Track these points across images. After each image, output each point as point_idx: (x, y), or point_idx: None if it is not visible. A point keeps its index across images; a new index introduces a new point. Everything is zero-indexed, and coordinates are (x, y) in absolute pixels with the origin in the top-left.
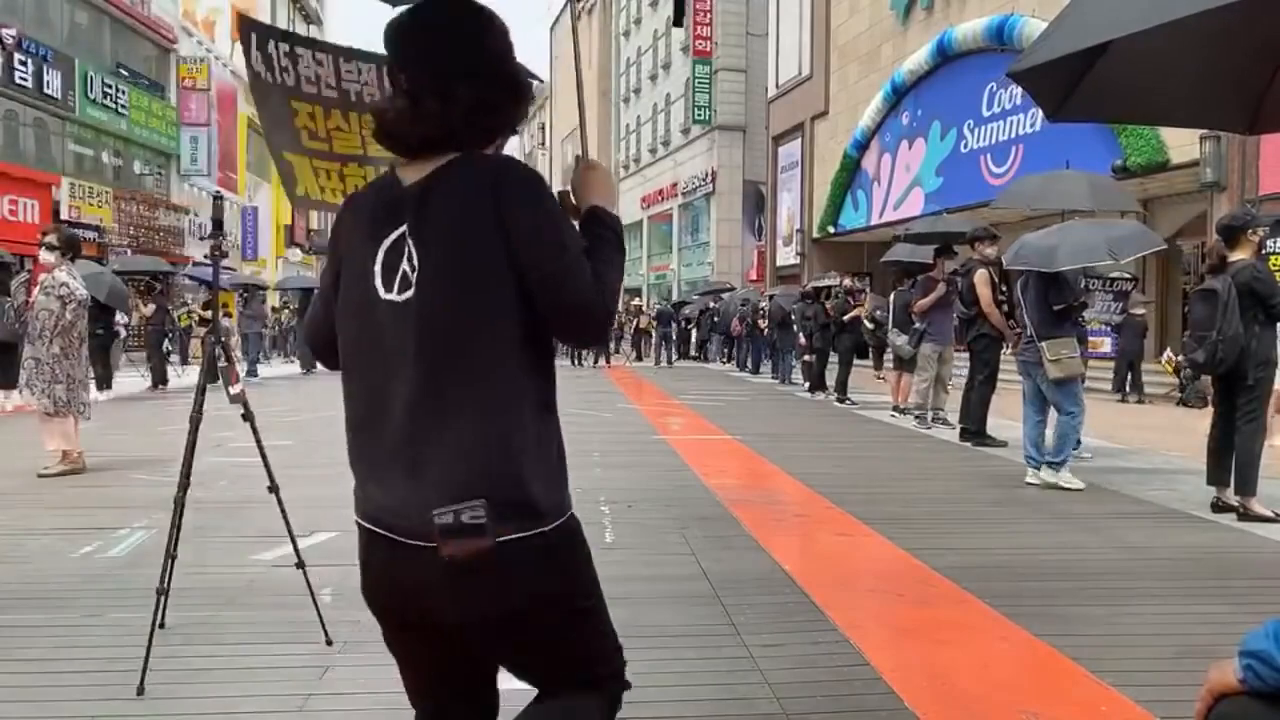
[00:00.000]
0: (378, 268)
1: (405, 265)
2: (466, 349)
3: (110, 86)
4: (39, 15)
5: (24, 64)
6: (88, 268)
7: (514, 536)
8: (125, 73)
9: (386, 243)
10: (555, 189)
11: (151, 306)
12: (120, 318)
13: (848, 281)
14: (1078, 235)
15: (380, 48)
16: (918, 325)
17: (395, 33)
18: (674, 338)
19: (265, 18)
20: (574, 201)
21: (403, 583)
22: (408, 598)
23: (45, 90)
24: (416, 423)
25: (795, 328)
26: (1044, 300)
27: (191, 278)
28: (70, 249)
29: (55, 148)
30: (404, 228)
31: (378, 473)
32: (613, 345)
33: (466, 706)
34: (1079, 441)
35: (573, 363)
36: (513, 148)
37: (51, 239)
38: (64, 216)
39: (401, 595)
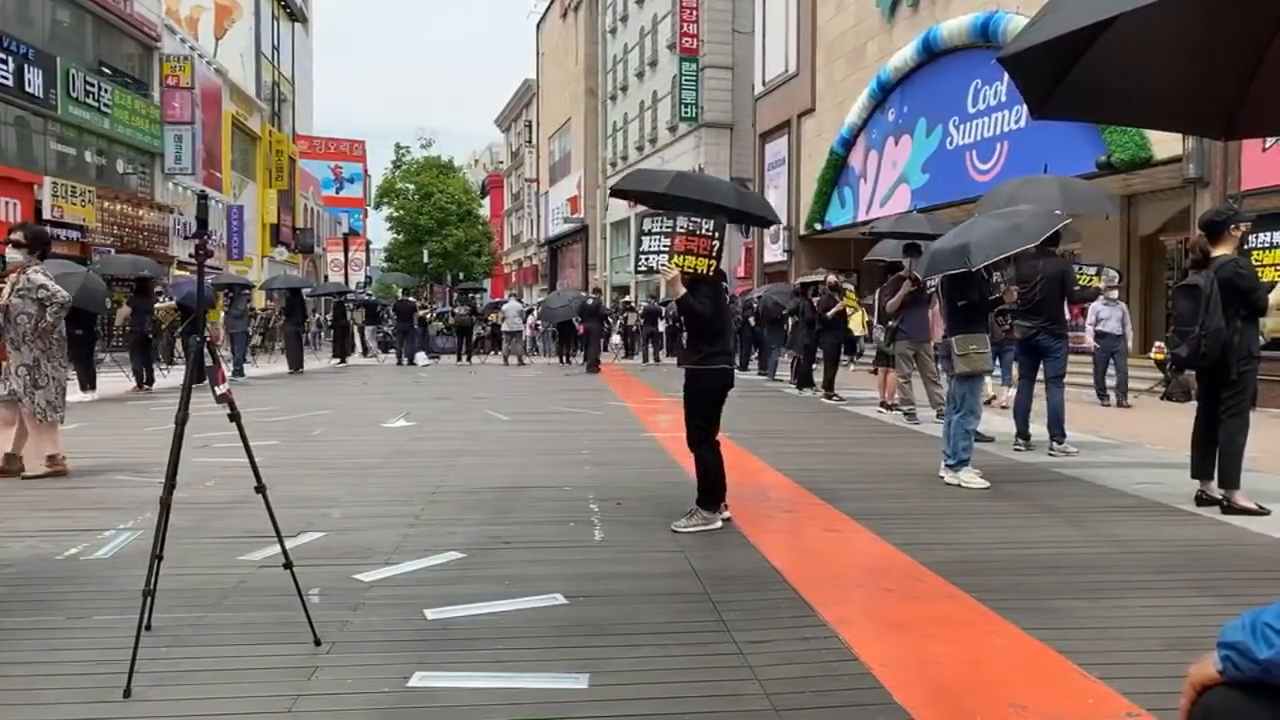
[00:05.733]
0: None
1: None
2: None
3: (93, 85)
4: (20, 13)
5: (4, 62)
6: (60, 266)
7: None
8: (108, 71)
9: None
10: (556, 187)
11: (127, 310)
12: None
13: (833, 278)
14: (944, 241)
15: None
16: (891, 323)
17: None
18: (661, 334)
19: (249, 15)
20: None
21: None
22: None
23: (27, 89)
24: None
25: (786, 326)
26: (952, 299)
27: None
28: (38, 246)
29: (37, 147)
30: None
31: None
32: (601, 343)
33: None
34: (1064, 433)
35: (562, 361)
36: (501, 146)
37: (18, 236)
38: (46, 216)
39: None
